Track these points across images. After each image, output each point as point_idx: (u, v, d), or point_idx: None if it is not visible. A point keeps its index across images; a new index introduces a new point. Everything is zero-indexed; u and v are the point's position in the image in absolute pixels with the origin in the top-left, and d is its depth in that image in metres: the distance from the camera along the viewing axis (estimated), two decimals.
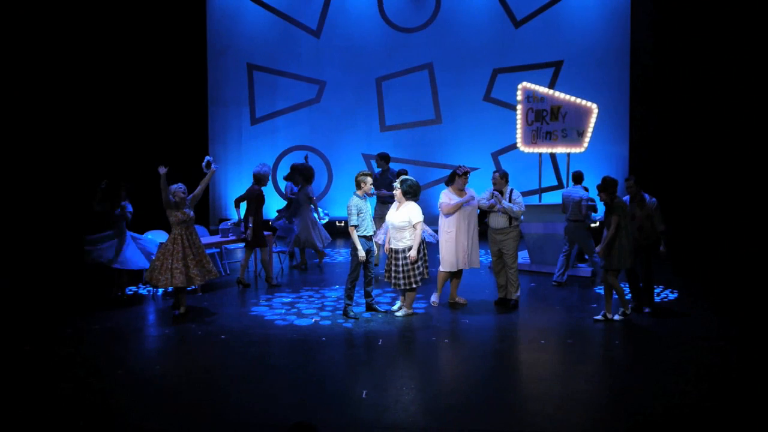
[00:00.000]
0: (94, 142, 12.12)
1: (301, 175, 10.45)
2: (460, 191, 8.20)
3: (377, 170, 10.86)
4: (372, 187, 7.99)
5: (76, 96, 12.00)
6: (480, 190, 8.45)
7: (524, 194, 9.65)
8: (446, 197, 8.17)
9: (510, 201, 8.18)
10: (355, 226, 7.71)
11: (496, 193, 8.17)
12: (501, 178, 8.30)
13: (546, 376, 6.06)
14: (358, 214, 7.71)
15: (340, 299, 8.48)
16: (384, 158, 10.84)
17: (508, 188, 8.30)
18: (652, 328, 7.44)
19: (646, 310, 7.89)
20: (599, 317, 7.66)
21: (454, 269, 8.23)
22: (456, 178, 8.17)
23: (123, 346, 6.96)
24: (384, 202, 10.19)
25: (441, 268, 8.25)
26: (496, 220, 8.23)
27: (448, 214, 8.13)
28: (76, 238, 8.81)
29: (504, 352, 6.88)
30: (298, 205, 10.54)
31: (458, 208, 8.11)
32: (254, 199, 9.33)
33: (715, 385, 5.79)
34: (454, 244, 8.11)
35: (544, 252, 10.23)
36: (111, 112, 12.61)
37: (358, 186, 7.83)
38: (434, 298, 8.38)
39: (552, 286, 9.42)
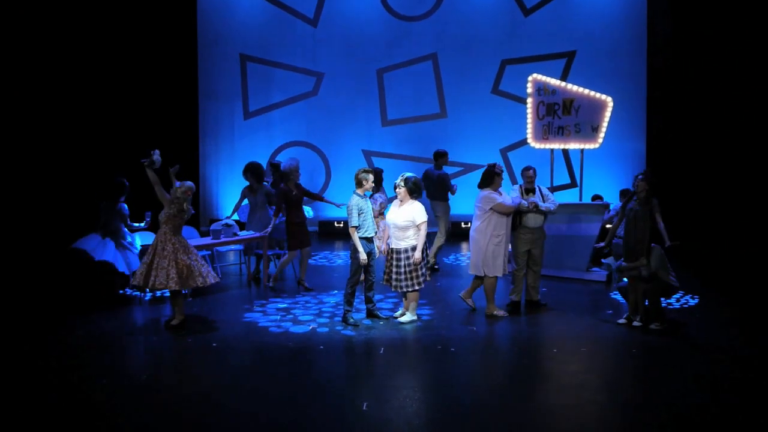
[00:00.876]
0: (79, 137, 12.02)
1: (254, 174, 9.68)
2: (498, 192, 7.92)
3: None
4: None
5: (59, 89, 11.92)
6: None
7: None
8: (499, 198, 7.77)
9: (543, 199, 8.14)
10: (356, 227, 7.48)
11: (532, 200, 8.04)
12: (534, 175, 8.25)
13: (557, 387, 5.92)
14: (359, 215, 7.47)
15: (339, 305, 8.24)
16: (439, 156, 10.56)
17: (535, 185, 8.25)
18: (670, 336, 7.19)
19: (653, 326, 7.29)
20: (622, 321, 7.57)
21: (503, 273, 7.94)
22: (495, 177, 7.86)
23: (109, 353, 6.75)
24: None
25: (491, 273, 7.77)
26: (535, 219, 8.14)
27: (503, 216, 7.75)
28: (65, 239, 8.78)
29: (513, 362, 6.68)
30: (254, 207, 9.70)
31: (517, 208, 7.93)
32: (281, 198, 9.06)
33: (734, 397, 5.57)
34: (503, 247, 7.84)
35: (560, 254, 9.77)
36: (97, 107, 12.70)
37: (359, 184, 7.58)
38: (501, 312, 7.90)
39: (564, 291, 9.18)
